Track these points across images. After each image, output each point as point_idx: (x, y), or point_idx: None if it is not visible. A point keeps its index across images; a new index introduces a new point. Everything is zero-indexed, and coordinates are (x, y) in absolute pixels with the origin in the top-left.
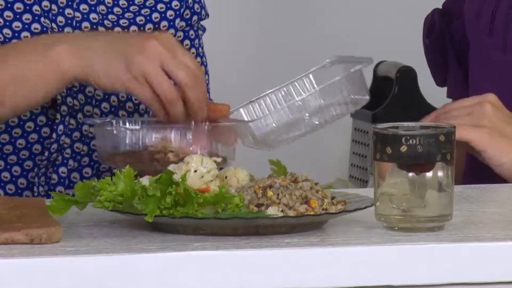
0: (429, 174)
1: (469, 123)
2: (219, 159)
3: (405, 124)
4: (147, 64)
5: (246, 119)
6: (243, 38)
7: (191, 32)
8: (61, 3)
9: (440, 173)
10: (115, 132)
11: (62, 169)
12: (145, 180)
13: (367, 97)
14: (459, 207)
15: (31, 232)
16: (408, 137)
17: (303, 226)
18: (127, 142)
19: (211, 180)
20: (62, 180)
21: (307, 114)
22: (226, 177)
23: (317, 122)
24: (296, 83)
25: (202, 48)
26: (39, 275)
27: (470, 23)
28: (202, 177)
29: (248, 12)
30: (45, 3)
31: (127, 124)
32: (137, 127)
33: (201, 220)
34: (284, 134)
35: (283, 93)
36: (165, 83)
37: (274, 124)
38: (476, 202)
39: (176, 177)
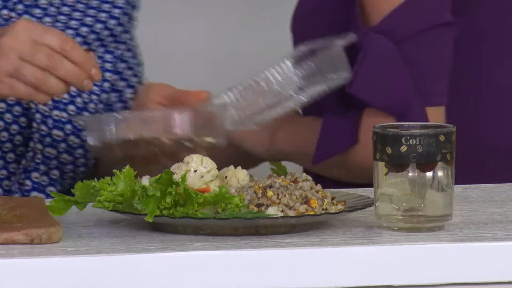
0: (429, 174)
1: None
2: (213, 140)
3: (405, 124)
4: (3, 64)
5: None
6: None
7: (130, 25)
8: None
9: (440, 173)
10: (114, 120)
11: (34, 174)
12: (145, 180)
13: (348, 74)
14: (459, 207)
15: (31, 232)
16: (408, 137)
17: (303, 226)
18: (125, 130)
19: (211, 180)
20: (35, 186)
21: (292, 92)
22: (226, 177)
23: (303, 98)
24: (273, 70)
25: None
26: (39, 275)
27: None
28: (202, 177)
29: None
30: None
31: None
32: (133, 115)
33: (201, 220)
34: (268, 112)
35: (260, 80)
36: (26, 69)
37: (257, 105)
38: (476, 202)
39: (176, 177)
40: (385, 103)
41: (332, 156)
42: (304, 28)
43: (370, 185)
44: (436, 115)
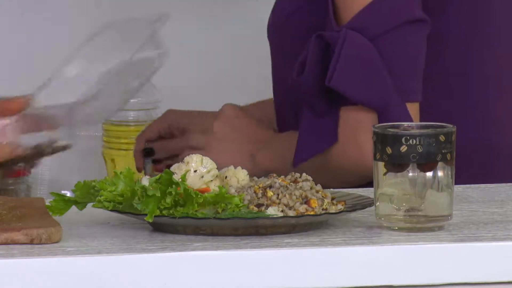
0: (429, 174)
1: None
2: (63, 143)
3: (405, 124)
4: None
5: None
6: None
7: None
8: None
9: (440, 173)
10: None
11: None
12: (145, 180)
13: (164, 51)
14: (459, 207)
15: (31, 232)
16: (408, 137)
17: (303, 226)
18: None
19: (211, 180)
20: None
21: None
22: (226, 177)
23: (136, 84)
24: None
25: None
26: (39, 275)
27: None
28: (202, 177)
29: None
30: None
31: None
32: None
33: (201, 220)
34: (112, 104)
35: (75, 71)
36: None
37: (93, 99)
38: (476, 202)
39: (176, 177)
40: (365, 98)
41: (313, 156)
42: (282, 32)
43: (370, 185)
44: (413, 111)
